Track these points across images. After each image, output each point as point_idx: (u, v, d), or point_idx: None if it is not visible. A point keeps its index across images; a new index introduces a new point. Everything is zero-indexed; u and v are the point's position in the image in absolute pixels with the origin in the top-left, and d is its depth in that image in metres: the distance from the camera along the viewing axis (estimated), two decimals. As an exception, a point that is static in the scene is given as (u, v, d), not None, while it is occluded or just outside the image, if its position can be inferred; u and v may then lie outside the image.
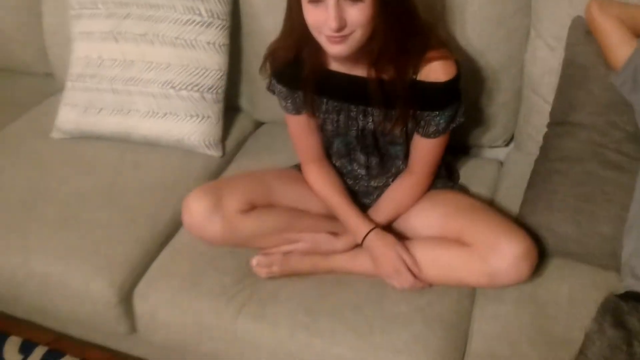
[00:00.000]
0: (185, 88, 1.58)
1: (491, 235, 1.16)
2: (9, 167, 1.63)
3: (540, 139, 1.40)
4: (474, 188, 1.48)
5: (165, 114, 1.60)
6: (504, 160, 1.57)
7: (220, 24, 1.57)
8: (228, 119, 1.72)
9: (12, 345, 1.72)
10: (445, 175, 1.41)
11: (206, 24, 1.56)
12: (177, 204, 1.48)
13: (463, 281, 1.20)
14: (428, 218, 1.29)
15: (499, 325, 1.15)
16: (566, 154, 1.30)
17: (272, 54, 1.24)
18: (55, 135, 1.72)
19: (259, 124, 1.80)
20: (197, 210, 1.26)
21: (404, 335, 1.16)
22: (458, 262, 1.18)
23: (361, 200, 1.39)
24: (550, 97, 1.38)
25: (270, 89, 1.31)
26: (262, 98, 1.66)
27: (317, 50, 1.13)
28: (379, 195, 1.36)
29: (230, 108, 1.75)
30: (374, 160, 1.33)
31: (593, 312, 1.04)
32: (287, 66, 1.22)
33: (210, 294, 1.28)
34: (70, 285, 1.37)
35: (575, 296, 1.18)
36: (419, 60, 1.15)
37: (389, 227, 1.32)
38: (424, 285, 1.22)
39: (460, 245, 1.18)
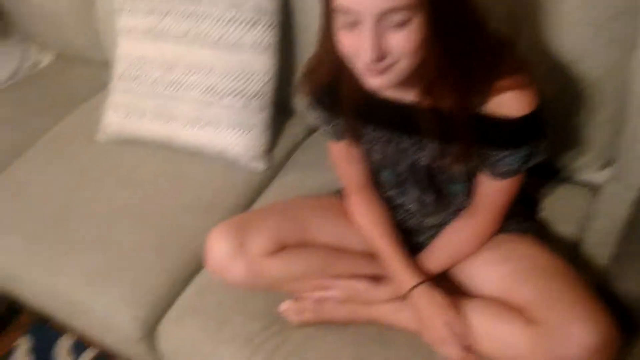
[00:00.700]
0: (229, 95, 1.41)
1: (565, 315, 0.92)
2: (51, 170, 1.57)
3: (646, 170, 1.12)
4: (559, 226, 1.23)
5: (206, 124, 1.45)
6: (600, 191, 1.29)
7: (267, 21, 1.38)
8: (278, 123, 1.55)
9: (64, 345, 1.73)
10: (520, 212, 1.16)
11: (252, 21, 1.38)
12: (209, 229, 1.35)
13: None
14: (491, 274, 1.06)
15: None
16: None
17: (309, 74, 1.04)
18: (101, 137, 1.62)
19: (311, 130, 1.60)
20: (218, 252, 1.09)
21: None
22: (520, 341, 0.95)
23: (413, 239, 1.18)
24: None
25: (310, 109, 1.12)
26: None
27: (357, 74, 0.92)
28: (434, 235, 1.14)
29: (282, 110, 1.57)
30: (428, 198, 1.12)
31: None
32: (326, 88, 1.02)
33: (235, 341, 1.14)
34: (95, 313, 1.28)
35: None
36: (487, 88, 0.90)
37: (442, 275, 1.11)
38: (475, 359, 1.00)
39: (526, 321, 0.95)
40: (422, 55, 0.83)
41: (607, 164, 1.30)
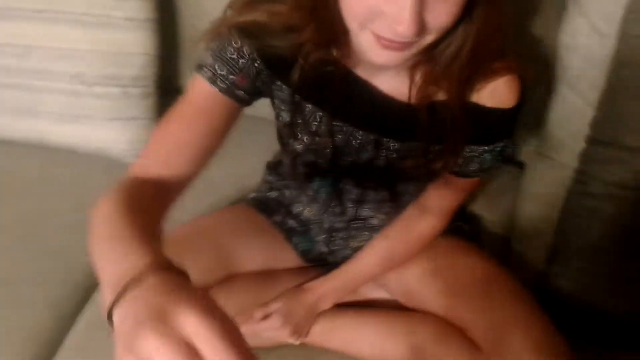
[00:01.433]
0: (101, 82, 1.19)
1: (508, 341, 0.83)
2: None
3: (576, 148, 1.02)
4: (491, 214, 1.13)
5: (77, 117, 1.22)
6: (526, 169, 1.19)
7: (140, -7, 1.15)
8: (166, 108, 1.33)
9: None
10: None
11: (121, -7, 1.14)
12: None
13: None
14: (430, 290, 0.95)
15: None
16: (614, 192, 0.94)
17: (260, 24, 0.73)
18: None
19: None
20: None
21: None
22: None
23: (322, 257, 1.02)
24: (593, 97, 0.98)
25: (219, 46, 0.76)
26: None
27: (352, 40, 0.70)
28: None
29: (170, 93, 1.35)
30: (369, 197, 0.94)
31: None
32: (278, 38, 0.73)
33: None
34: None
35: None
36: (481, 74, 0.76)
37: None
38: None
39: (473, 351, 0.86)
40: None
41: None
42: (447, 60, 0.71)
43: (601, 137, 0.97)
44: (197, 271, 0.82)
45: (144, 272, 0.46)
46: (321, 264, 1.01)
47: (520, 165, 1.22)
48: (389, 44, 0.64)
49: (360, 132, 0.82)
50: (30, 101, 1.23)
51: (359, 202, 0.92)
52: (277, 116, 0.86)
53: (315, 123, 0.81)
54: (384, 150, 0.83)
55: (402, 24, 0.60)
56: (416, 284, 0.96)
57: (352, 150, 0.84)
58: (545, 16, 1.05)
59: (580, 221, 1.01)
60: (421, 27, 0.62)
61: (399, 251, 0.96)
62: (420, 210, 0.94)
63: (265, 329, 0.93)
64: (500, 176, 1.22)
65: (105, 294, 0.48)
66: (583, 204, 1.00)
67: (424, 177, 0.89)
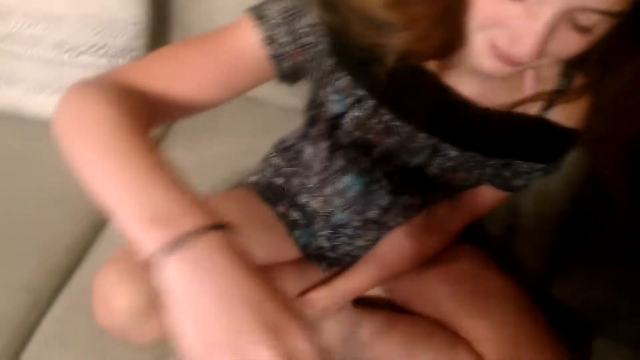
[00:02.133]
0: (87, 52, 1.10)
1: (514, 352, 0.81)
2: None
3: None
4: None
5: (59, 89, 1.14)
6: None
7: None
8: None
9: None
10: None
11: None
12: (77, 227, 1.09)
13: None
14: (436, 294, 0.91)
15: None
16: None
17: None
18: None
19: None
20: (122, 310, 0.75)
21: None
22: None
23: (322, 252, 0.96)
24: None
25: (293, 11, 0.66)
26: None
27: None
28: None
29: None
30: (400, 203, 0.87)
31: None
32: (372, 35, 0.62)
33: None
34: None
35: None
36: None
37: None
38: None
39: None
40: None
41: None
42: (612, 94, 0.65)
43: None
44: None
45: (199, 226, 0.48)
46: (319, 259, 0.96)
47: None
48: (501, 56, 0.58)
49: (421, 134, 0.74)
50: (7, 68, 1.14)
51: (387, 208, 0.86)
52: (319, 104, 0.77)
53: (375, 120, 0.73)
54: (440, 158, 0.76)
55: (522, 46, 0.55)
56: (424, 286, 0.92)
57: (404, 152, 0.76)
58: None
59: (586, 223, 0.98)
60: (541, 53, 0.56)
61: (408, 259, 0.92)
62: (439, 219, 0.89)
63: None
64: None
65: (132, 224, 0.49)
66: (589, 205, 0.98)
67: (467, 189, 0.85)
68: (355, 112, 0.72)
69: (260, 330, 0.44)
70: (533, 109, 0.71)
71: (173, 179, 0.52)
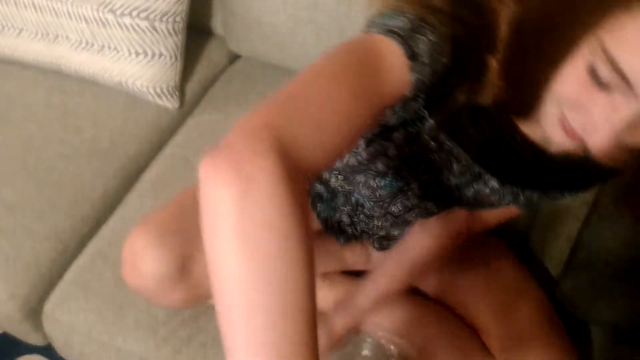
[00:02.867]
0: (130, 14, 1.13)
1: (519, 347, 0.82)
2: None
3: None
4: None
5: (101, 47, 1.17)
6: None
7: None
8: (194, 49, 1.28)
9: None
10: None
11: None
12: (108, 182, 1.12)
13: None
14: (477, 303, 0.91)
15: None
16: None
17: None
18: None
19: (233, 57, 1.34)
20: (150, 275, 0.77)
21: None
22: None
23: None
24: None
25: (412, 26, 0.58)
26: (239, 23, 1.21)
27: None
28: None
29: (198, 33, 1.30)
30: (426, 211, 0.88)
31: None
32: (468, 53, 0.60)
33: (138, 330, 0.95)
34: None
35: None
36: None
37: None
38: None
39: None
40: None
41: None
42: None
43: None
44: None
45: None
46: (338, 232, 0.96)
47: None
48: (571, 132, 0.57)
49: (467, 159, 0.74)
50: (51, 23, 1.18)
51: (411, 208, 0.86)
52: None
53: (431, 142, 0.72)
54: (480, 184, 0.77)
55: (597, 137, 0.54)
56: (468, 293, 0.92)
57: (446, 170, 0.76)
58: None
59: (601, 230, 0.96)
60: (614, 145, 0.55)
61: (428, 257, 0.90)
62: (463, 223, 0.89)
63: None
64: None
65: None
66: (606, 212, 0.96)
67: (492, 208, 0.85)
68: (411, 129, 0.70)
69: None
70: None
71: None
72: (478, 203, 0.80)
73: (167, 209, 0.82)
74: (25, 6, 1.18)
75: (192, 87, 1.27)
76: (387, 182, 0.81)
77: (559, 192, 0.77)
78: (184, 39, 1.19)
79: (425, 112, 0.67)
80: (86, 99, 1.22)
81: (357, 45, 0.56)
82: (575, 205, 1.01)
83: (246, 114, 0.50)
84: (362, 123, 0.53)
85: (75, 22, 1.16)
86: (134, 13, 1.12)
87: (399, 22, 0.56)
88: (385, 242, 0.89)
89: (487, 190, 0.77)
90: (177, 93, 1.22)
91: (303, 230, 0.44)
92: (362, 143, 0.77)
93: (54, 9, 1.16)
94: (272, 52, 1.23)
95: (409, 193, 0.82)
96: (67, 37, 1.18)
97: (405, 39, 0.55)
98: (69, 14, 1.15)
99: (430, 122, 0.68)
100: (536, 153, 0.67)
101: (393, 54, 0.55)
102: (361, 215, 0.93)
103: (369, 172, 0.81)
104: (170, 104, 1.21)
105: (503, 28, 0.59)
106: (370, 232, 0.94)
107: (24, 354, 1.26)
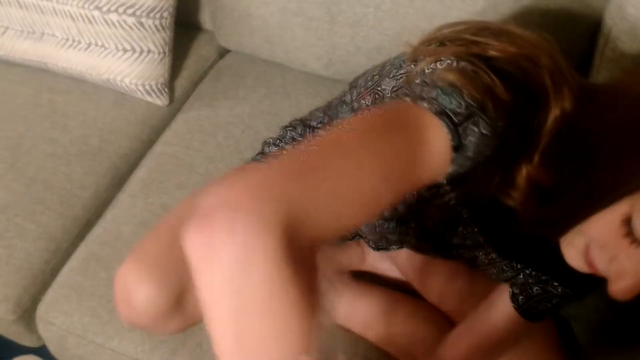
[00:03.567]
0: (116, 10, 1.11)
1: None
2: None
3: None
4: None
5: (88, 45, 1.15)
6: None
7: None
8: (182, 44, 1.27)
9: None
10: None
11: None
12: (98, 180, 1.11)
13: None
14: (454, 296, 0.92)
15: None
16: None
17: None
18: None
19: (223, 52, 1.33)
20: (145, 312, 0.73)
21: None
22: None
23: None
24: None
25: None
26: (227, 16, 1.20)
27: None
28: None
29: (186, 27, 1.28)
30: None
31: None
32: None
33: (132, 331, 0.94)
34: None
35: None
36: None
37: None
38: None
39: None
40: None
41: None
42: None
43: None
44: None
45: None
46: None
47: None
48: (592, 266, 0.57)
49: (472, 227, 0.74)
50: (37, 21, 1.16)
51: (407, 242, 0.85)
52: None
53: (444, 206, 0.70)
54: (480, 251, 0.77)
55: (619, 282, 0.54)
56: (442, 282, 0.92)
57: (450, 230, 0.75)
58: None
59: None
60: None
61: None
62: None
63: None
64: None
65: None
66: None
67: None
68: (426, 193, 0.68)
69: None
70: None
71: None
72: (475, 265, 0.81)
73: (159, 236, 0.77)
74: (10, 3, 1.17)
75: (181, 83, 1.25)
76: (389, 224, 0.80)
77: (558, 285, 0.76)
78: (172, 35, 1.18)
79: (448, 187, 0.65)
80: (74, 97, 1.20)
81: (401, 119, 0.50)
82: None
83: (252, 170, 0.45)
84: (385, 204, 0.49)
85: (61, 19, 1.14)
86: (121, 9, 1.11)
87: (455, 105, 0.50)
88: (381, 243, 0.88)
89: (485, 260, 0.78)
90: (166, 89, 1.20)
91: (302, 312, 0.41)
92: None
93: (39, 6, 1.14)
94: (261, 46, 1.22)
95: (409, 231, 0.80)
96: (53, 35, 1.17)
97: (457, 126, 0.50)
98: (54, 11, 1.14)
99: (451, 195, 0.66)
100: (544, 242, 0.65)
101: (439, 140, 0.49)
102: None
103: None
104: (159, 100, 1.20)
105: (545, 138, 0.56)
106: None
107: (18, 355, 1.26)
